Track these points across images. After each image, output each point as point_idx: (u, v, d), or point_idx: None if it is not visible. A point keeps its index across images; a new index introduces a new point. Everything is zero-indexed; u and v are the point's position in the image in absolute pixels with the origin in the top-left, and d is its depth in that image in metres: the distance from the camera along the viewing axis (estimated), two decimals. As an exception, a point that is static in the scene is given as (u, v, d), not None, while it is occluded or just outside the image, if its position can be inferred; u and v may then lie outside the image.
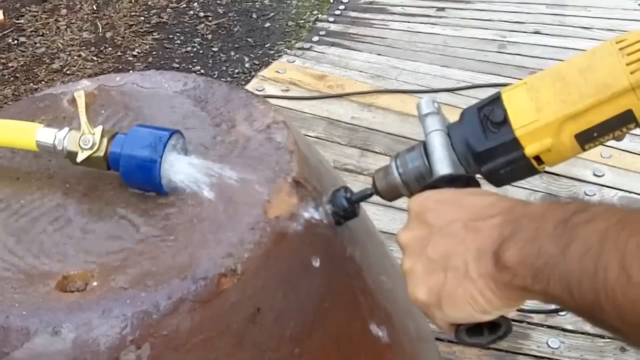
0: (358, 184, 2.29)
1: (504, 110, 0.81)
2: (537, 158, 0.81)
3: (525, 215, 0.64)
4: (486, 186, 0.81)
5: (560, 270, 0.58)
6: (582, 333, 1.91)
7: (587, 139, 0.79)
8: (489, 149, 0.82)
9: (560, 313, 1.94)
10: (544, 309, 1.93)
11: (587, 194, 2.36)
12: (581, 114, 0.78)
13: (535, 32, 3.33)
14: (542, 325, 1.94)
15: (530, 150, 0.80)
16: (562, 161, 0.82)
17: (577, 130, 0.78)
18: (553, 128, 0.78)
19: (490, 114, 0.82)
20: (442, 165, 0.82)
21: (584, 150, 0.81)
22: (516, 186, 2.13)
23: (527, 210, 0.65)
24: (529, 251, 0.61)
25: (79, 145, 0.91)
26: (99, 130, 0.92)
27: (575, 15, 3.45)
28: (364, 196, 0.94)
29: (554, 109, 0.78)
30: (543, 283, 0.60)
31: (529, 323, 1.94)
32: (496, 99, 0.82)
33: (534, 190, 2.32)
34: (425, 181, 0.83)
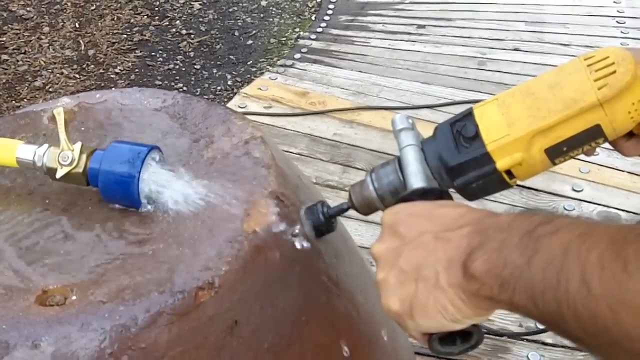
0: (340, 200, 2.29)
1: (476, 126, 0.82)
2: (509, 172, 0.82)
3: (492, 226, 0.66)
4: (460, 200, 0.82)
5: (525, 280, 0.60)
6: (561, 347, 1.93)
7: (556, 153, 0.81)
8: (461, 163, 0.83)
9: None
10: (529, 330, 1.95)
11: (566, 209, 2.38)
12: (550, 128, 0.79)
13: (515, 49, 3.38)
14: (522, 339, 1.96)
15: (501, 164, 0.81)
16: (533, 175, 0.84)
17: (546, 145, 0.80)
18: (523, 142, 0.80)
19: (462, 129, 0.83)
20: (416, 179, 0.83)
21: (554, 164, 0.83)
22: (496, 201, 2.17)
23: (495, 221, 0.67)
24: (496, 261, 0.62)
25: (58, 161, 0.92)
26: (77, 146, 0.93)
27: (553, 32, 3.50)
28: (340, 210, 0.95)
29: (524, 124, 0.80)
30: (509, 293, 0.61)
31: (509, 337, 1.95)
32: (468, 115, 0.84)
33: (514, 206, 2.34)
34: (400, 195, 0.85)
